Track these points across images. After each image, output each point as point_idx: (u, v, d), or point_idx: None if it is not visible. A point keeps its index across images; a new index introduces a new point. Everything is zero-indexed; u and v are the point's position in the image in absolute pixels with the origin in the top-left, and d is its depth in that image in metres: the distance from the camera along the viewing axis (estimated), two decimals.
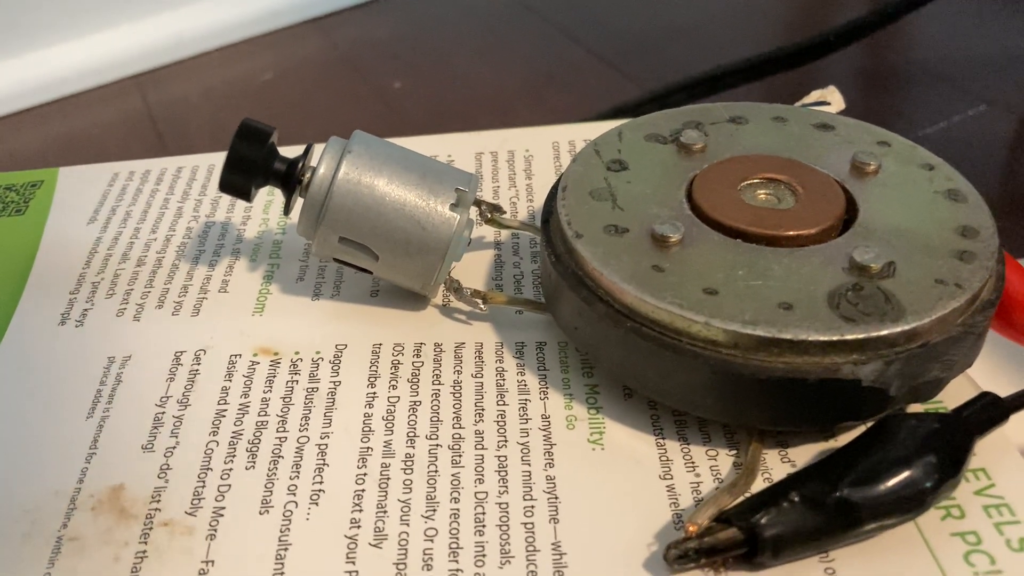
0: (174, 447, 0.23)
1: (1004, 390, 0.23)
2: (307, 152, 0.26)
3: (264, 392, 0.25)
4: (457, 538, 0.21)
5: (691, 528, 0.20)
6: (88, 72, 0.62)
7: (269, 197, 0.32)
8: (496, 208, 0.28)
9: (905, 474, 0.19)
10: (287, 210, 0.26)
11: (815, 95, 0.34)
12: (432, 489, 0.22)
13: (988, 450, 0.22)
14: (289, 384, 0.25)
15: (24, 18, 0.60)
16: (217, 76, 0.63)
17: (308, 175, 0.26)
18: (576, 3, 0.66)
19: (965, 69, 0.53)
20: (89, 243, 0.30)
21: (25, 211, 0.32)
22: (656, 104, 0.48)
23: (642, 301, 0.22)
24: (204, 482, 0.23)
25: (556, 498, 0.22)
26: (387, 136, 0.35)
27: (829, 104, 0.33)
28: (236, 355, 0.26)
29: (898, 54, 0.55)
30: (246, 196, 0.26)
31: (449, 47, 0.63)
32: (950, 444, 0.20)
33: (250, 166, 0.26)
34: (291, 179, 0.26)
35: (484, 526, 0.21)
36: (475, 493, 0.22)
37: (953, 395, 0.23)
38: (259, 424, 0.24)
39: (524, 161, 0.33)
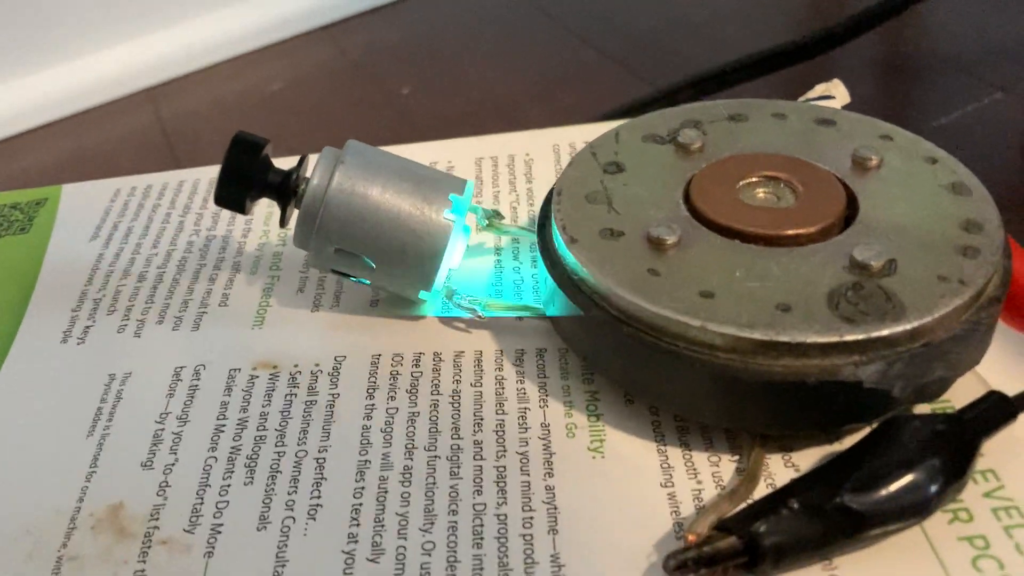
0: (173, 464, 0.23)
1: (1017, 387, 0.22)
2: (301, 163, 0.26)
3: (263, 406, 0.25)
4: (455, 551, 0.21)
5: (690, 537, 0.19)
6: (100, 87, 0.62)
7: (270, 209, 0.32)
8: (495, 213, 0.27)
9: (908, 478, 0.19)
10: (283, 222, 0.26)
11: (819, 89, 0.33)
12: (430, 502, 0.22)
13: (997, 450, 0.21)
14: (288, 398, 0.25)
15: (36, 36, 0.61)
16: (227, 87, 0.63)
17: (302, 186, 0.25)
18: (585, 3, 0.66)
19: (980, 57, 0.52)
20: (91, 260, 0.30)
21: (29, 229, 0.32)
22: (665, 102, 0.48)
23: (638, 306, 0.22)
24: (202, 499, 0.22)
25: (555, 508, 0.22)
26: (395, 142, 0.35)
27: (834, 98, 0.33)
28: (235, 369, 0.26)
29: (911, 43, 0.55)
30: (241, 209, 0.26)
31: (458, 51, 0.63)
32: (955, 446, 0.20)
33: (244, 179, 0.26)
34: (286, 191, 0.26)
35: (482, 539, 0.21)
36: (473, 505, 0.22)
37: (962, 394, 0.23)
38: (258, 439, 0.24)
39: (524, 165, 0.32)
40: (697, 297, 0.22)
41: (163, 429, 0.24)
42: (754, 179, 0.25)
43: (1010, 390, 0.22)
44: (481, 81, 0.59)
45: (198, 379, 0.26)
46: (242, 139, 0.26)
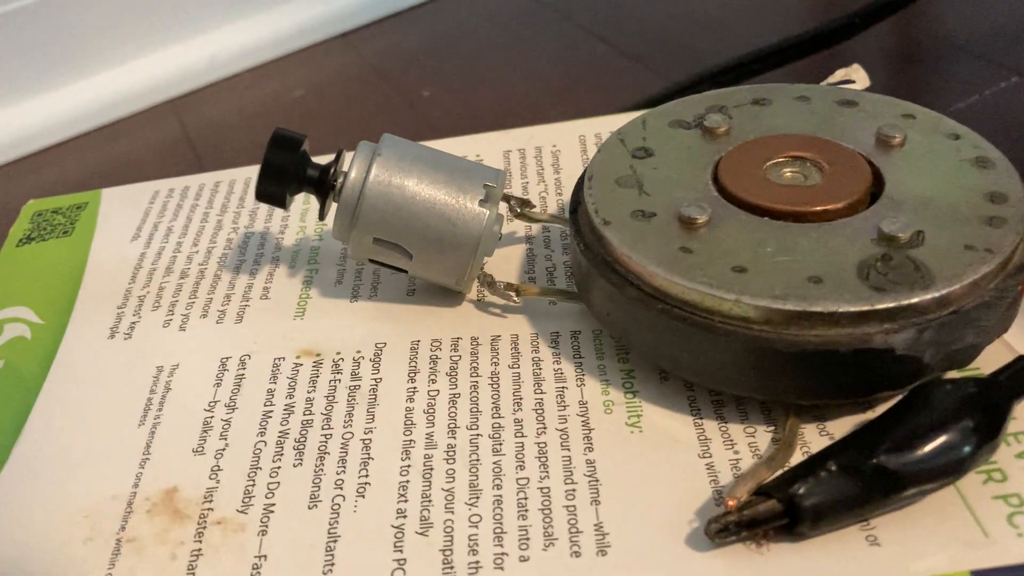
0: (224, 449, 0.24)
1: None
2: (338, 158, 0.27)
3: (308, 392, 0.25)
4: (501, 523, 0.21)
5: (730, 503, 0.20)
6: (127, 99, 0.63)
7: (305, 205, 0.32)
8: (525, 202, 0.28)
9: (942, 439, 0.20)
10: (322, 215, 0.27)
11: (839, 74, 0.34)
12: (475, 477, 0.23)
13: None
14: (332, 383, 0.26)
15: (62, 52, 0.62)
16: (250, 96, 0.64)
17: (340, 180, 0.26)
18: (599, 1, 0.66)
19: (995, 41, 0.52)
20: (134, 259, 0.31)
21: (72, 232, 0.33)
22: (681, 96, 0.48)
23: (671, 282, 0.22)
24: (254, 480, 0.23)
25: (597, 481, 0.22)
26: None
27: (854, 82, 0.33)
28: (280, 358, 0.26)
29: (926, 30, 0.55)
30: (282, 203, 0.27)
31: (475, 53, 0.64)
32: (987, 408, 0.20)
33: (284, 173, 0.26)
34: (324, 184, 0.27)
35: (527, 510, 0.22)
36: (517, 479, 0.22)
37: (990, 361, 0.23)
38: (304, 423, 0.24)
39: (551, 156, 0.33)
40: (730, 272, 0.22)
41: (212, 416, 0.25)
42: (781, 159, 0.25)
43: None
44: (499, 82, 0.60)
45: (244, 368, 0.26)
46: (281, 135, 0.27)
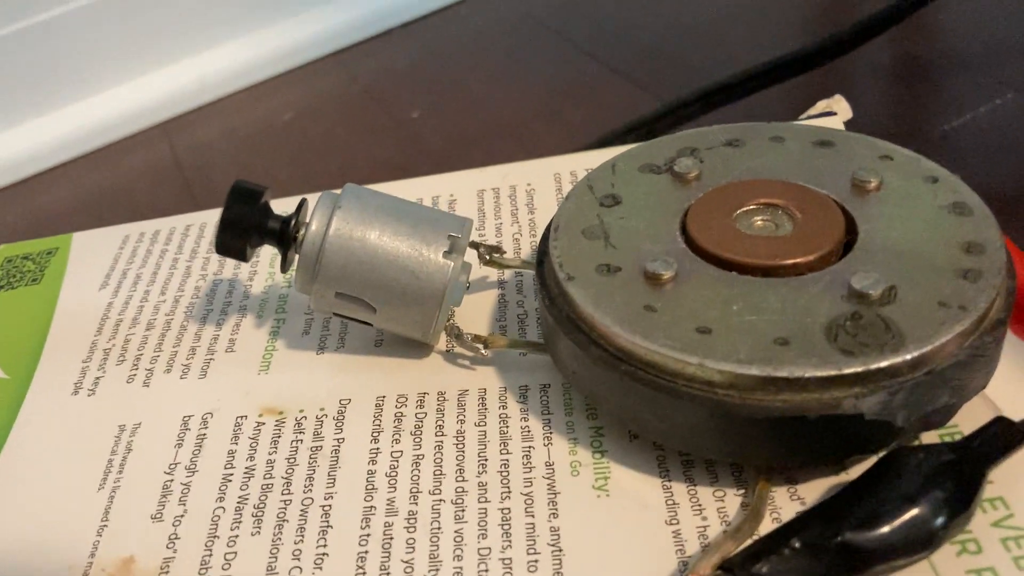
0: (182, 515, 0.24)
1: None
2: (300, 209, 0.26)
3: (270, 454, 0.25)
4: None
5: None
6: (117, 123, 0.63)
7: (275, 251, 0.32)
8: (495, 249, 0.28)
9: (911, 513, 0.19)
10: (284, 268, 0.26)
11: (821, 105, 0.33)
12: (435, 547, 0.22)
13: (1006, 477, 0.21)
14: (294, 444, 0.25)
15: (49, 77, 0.62)
16: (240, 118, 0.63)
17: (301, 232, 0.26)
18: (590, 17, 0.66)
19: (990, 58, 0.51)
20: (101, 309, 0.31)
21: (41, 279, 0.32)
22: (670, 117, 0.48)
23: (635, 344, 0.22)
24: (211, 550, 0.23)
25: (560, 551, 0.21)
26: (406, 165, 0.35)
27: (836, 114, 0.32)
28: (242, 417, 0.26)
29: (920, 46, 0.54)
30: (242, 256, 0.26)
31: (466, 72, 0.63)
32: (961, 477, 0.20)
33: (244, 228, 0.26)
34: (285, 237, 0.26)
35: None
36: (478, 549, 0.22)
37: (971, 418, 0.22)
38: (264, 487, 0.24)
39: (526, 195, 0.32)
40: (694, 333, 0.21)
41: (172, 480, 0.25)
42: (751, 207, 0.25)
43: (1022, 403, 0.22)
44: (490, 101, 0.59)
45: (206, 428, 0.26)
46: (240, 188, 0.26)
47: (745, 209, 0.25)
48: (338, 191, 0.26)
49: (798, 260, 0.23)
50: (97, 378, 0.28)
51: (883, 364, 0.20)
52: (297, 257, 0.26)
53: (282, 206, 0.27)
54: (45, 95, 0.62)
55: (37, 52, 0.61)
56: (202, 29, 0.65)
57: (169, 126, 0.64)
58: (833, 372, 0.20)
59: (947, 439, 0.22)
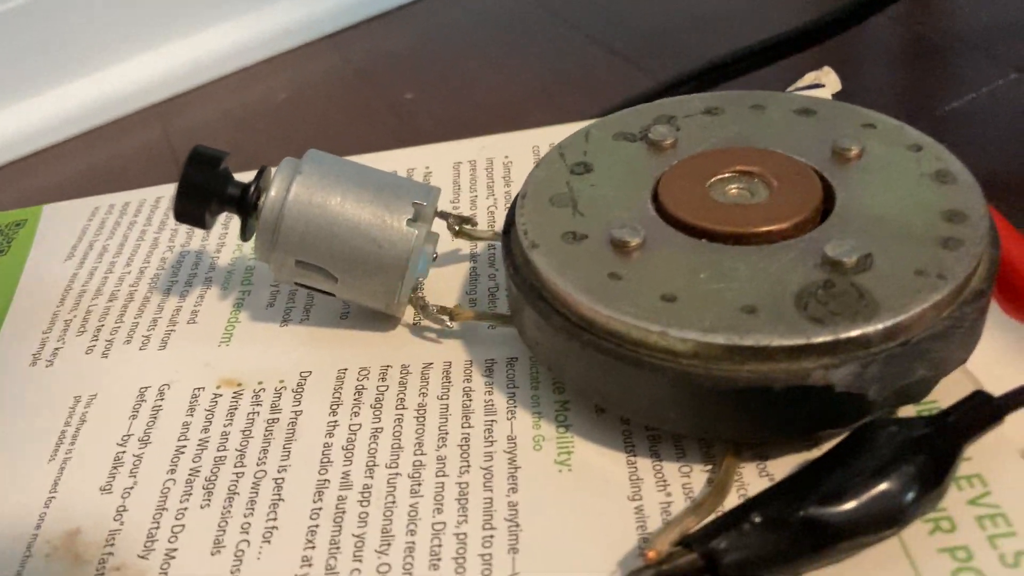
0: (132, 487, 0.23)
1: (1019, 381, 0.20)
2: (260, 175, 0.25)
3: (225, 426, 0.24)
4: (411, 573, 0.20)
5: (650, 555, 0.18)
6: (109, 105, 0.62)
7: None
8: (465, 220, 0.27)
9: (879, 487, 0.18)
10: (244, 235, 0.26)
11: (809, 77, 0.32)
12: (388, 521, 0.21)
13: (985, 453, 0.20)
14: (250, 416, 0.24)
15: (42, 57, 0.61)
16: (234, 99, 0.63)
17: (261, 198, 0.25)
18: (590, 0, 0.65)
19: (994, 37, 0.50)
20: (65, 280, 0.30)
21: (7, 251, 0.32)
22: (667, 96, 0.47)
23: (596, 312, 0.21)
24: (158, 523, 0.22)
25: (517, 526, 0.21)
26: (397, 148, 0.34)
27: (823, 86, 0.31)
28: (199, 388, 0.25)
29: (923, 25, 0.53)
30: (202, 224, 0.25)
31: (461, 54, 0.62)
32: (933, 451, 0.19)
33: (203, 193, 0.25)
34: (245, 203, 0.25)
35: (439, 559, 0.20)
36: (432, 524, 0.21)
37: (951, 393, 0.21)
38: (217, 460, 0.23)
39: (503, 168, 0.31)
40: (659, 301, 0.21)
41: (124, 452, 0.24)
42: (726, 175, 0.24)
43: (1011, 384, 0.20)
44: (485, 84, 0.58)
45: (162, 399, 0.25)
46: (199, 153, 0.25)
47: (720, 177, 0.24)
48: (300, 158, 0.25)
49: (771, 228, 0.22)
50: (56, 349, 0.27)
51: (854, 333, 0.19)
52: (257, 224, 0.25)
53: None
54: (38, 76, 0.61)
55: (30, 33, 0.60)
56: (196, 10, 0.64)
57: (163, 107, 0.63)
58: (801, 341, 0.19)
59: (925, 415, 0.21)
